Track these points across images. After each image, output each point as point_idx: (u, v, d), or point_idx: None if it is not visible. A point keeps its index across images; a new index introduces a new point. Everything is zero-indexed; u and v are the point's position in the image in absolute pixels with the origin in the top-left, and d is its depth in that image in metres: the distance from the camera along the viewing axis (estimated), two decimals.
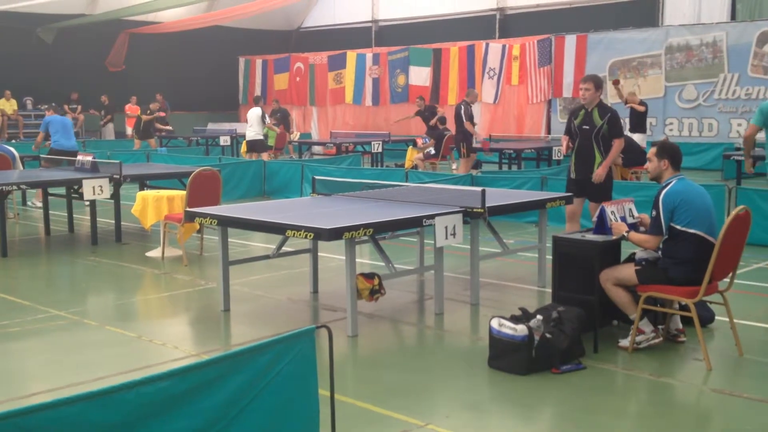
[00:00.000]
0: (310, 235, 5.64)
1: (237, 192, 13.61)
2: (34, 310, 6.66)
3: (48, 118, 13.24)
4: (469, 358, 5.41)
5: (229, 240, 6.72)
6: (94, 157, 10.27)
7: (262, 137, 17.01)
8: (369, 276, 5.97)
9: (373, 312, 6.52)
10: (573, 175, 7.91)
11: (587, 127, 7.70)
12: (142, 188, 10.20)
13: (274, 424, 3.07)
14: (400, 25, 27.13)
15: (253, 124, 16.89)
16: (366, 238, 6.02)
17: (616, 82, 15.34)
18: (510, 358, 5.02)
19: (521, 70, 22.45)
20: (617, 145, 7.71)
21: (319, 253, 7.31)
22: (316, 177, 8.01)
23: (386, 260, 6.29)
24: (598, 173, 7.67)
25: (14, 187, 9.22)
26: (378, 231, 5.99)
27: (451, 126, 16.17)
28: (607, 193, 7.78)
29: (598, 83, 7.68)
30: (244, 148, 20.55)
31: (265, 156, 16.84)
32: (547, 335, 5.04)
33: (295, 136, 22.44)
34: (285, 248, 7.04)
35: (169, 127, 23.21)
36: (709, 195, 5.41)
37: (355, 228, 5.63)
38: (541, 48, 21.95)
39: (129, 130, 24.37)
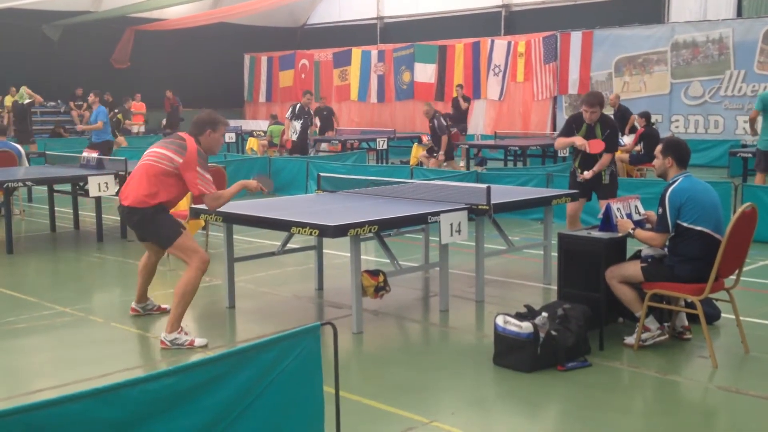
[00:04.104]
0: (315, 232, 5.64)
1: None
2: (40, 306, 6.68)
3: None
4: (474, 355, 5.41)
5: (234, 237, 6.73)
6: (99, 154, 10.29)
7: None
8: (374, 273, 5.97)
9: (378, 309, 6.51)
10: (580, 180, 7.94)
11: None
12: None
13: (279, 421, 3.07)
14: (405, 21, 27.11)
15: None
16: (371, 235, 6.01)
17: None
18: (515, 355, 5.01)
19: (526, 67, 22.42)
20: (605, 159, 7.75)
21: (324, 250, 7.31)
22: (321, 174, 8.01)
23: (391, 257, 6.28)
24: (585, 177, 7.77)
25: (20, 184, 9.24)
26: (383, 228, 5.98)
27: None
28: (615, 190, 7.88)
29: (603, 104, 7.85)
30: (249, 145, 20.60)
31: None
32: (553, 332, 5.02)
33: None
34: (290, 245, 7.04)
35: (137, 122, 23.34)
36: (716, 192, 5.39)
37: (360, 225, 5.62)
38: (546, 45, 21.91)
39: (135, 128, 24.41)
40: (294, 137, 15.90)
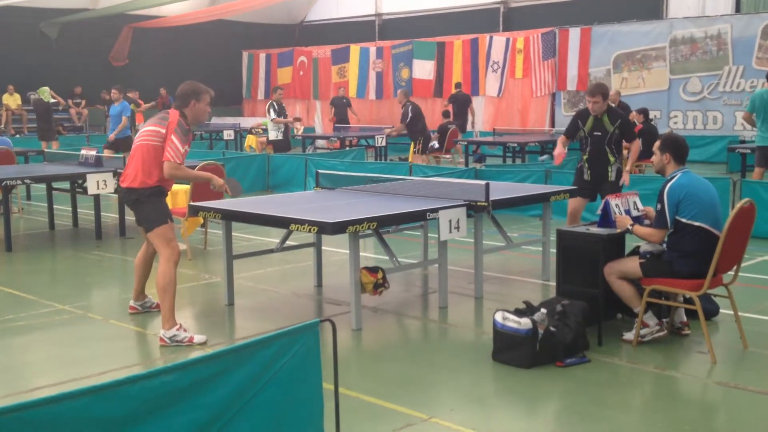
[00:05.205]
0: (314, 229, 5.64)
1: (241, 186, 13.57)
2: (39, 304, 6.68)
3: None
4: (473, 351, 5.41)
5: (233, 234, 6.72)
6: (97, 152, 10.29)
7: None
8: (373, 270, 5.97)
9: (377, 306, 6.52)
10: (587, 177, 7.89)
11: (599, 134, 7.77)
12: None
13: (278, 418, 3.07)
14: (404, 18, 27.10)
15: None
16: (370, 231, 6.01)
17: None
18: (514, 351, 5.02)
19: (525, 64, 22.40)
20: (635, 147, 8.02)
21: (322, 247, 7.31)
22: (320, 171, 8.01)
23: (390, 254, 6.29)
24: (625, 179, 7.90)
25: (19, 182, 9.24)
26: (382, 225, 5.98)
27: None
28: (619, 189, 7.83)
29: (605, 94, 7.72)
30: (247, 142, 20.57)
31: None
32: (552, 329, 5.03)
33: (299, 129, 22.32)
34: (289, 242, 7.04)
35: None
36: (714, 188, 5.40)
37: (359, 222, 5.62)
38: (545, 41, 21.89)
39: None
40: (280, 136, 15.89)
